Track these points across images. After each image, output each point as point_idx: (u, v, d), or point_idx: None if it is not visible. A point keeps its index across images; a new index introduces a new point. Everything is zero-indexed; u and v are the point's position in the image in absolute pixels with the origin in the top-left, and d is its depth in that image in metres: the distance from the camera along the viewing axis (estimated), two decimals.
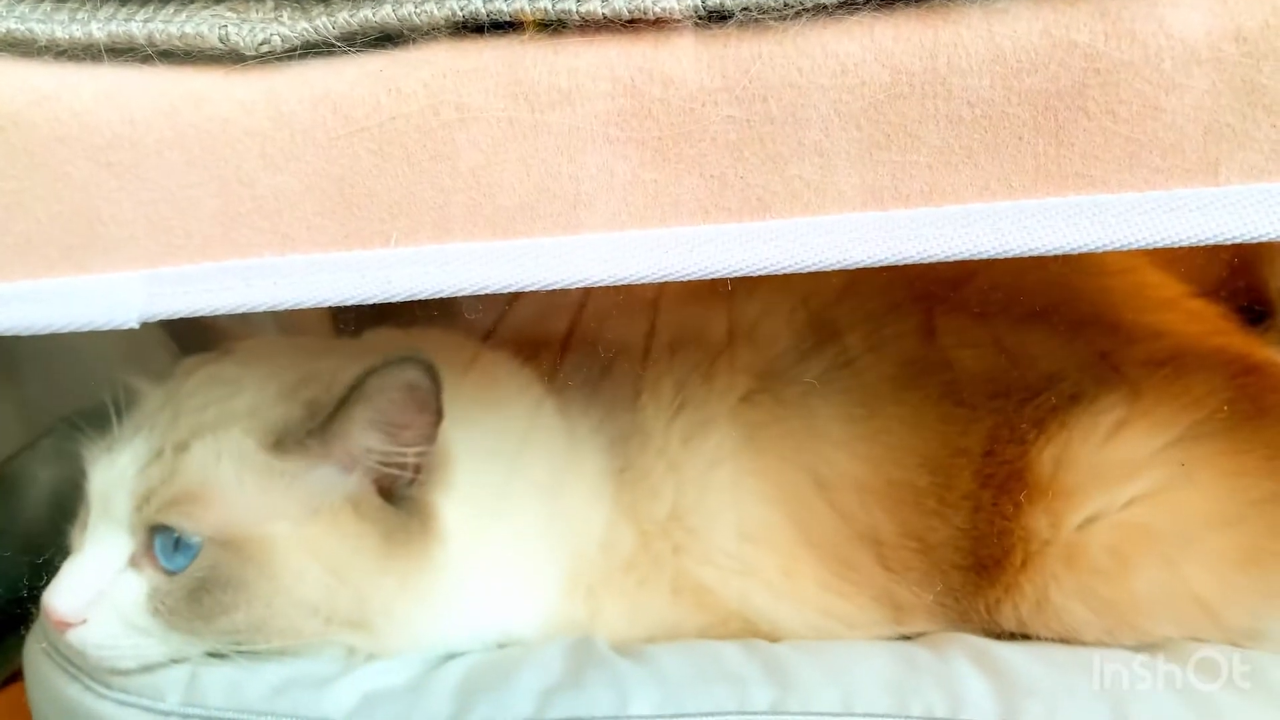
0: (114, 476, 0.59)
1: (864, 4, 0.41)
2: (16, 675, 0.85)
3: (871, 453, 0.68)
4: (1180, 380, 0.64)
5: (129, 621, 0.57)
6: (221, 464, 0.59)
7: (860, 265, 0.43)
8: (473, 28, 0.42)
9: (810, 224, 0.43)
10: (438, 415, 0.61)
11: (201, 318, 0.68)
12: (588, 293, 0.82)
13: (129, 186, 0.44)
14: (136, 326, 0.46)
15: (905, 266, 0.43)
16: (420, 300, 0.80)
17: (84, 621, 0.56)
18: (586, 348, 0.77)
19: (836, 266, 0.43)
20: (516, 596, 0.66)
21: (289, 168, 0.44)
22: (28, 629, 0.82)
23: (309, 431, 0.59)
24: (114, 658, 0.58)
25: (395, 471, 0.61)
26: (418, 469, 0.62)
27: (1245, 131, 0.41)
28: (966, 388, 0.68)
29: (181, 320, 0.68)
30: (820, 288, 0.75)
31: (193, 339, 0.72)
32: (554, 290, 0.79)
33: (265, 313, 0.82)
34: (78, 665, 0.59)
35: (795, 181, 0.43)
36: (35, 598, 0.80)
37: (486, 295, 0.76)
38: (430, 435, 0.61)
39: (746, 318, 0.76)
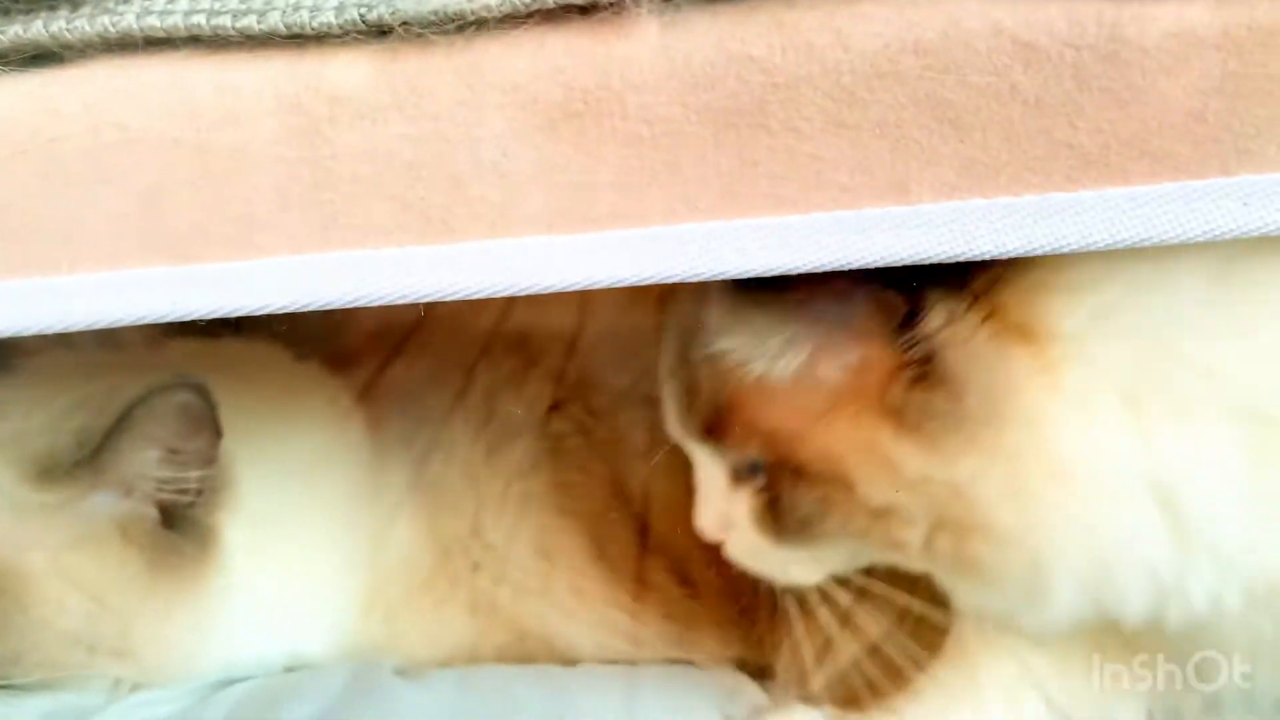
0: None
1: (530, 18, 0.39)
2: None
3: (674, 463, 0.66)
4: None
5: None
6: None
7: (553, 290, 0.41)
8: (132, 45, 0.40)
9: (496, 247, 0.41)
10: (216, 436, 0.59)
11: None
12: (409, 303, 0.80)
13: None
14: None
15: None
16: None
17: None
18: (404, 357, 0.75)
19: (528, 291, 0.41)
20: (305, 618, 0.64)
21: None
22: None
23: (77, 462, 0.57)
24: None
25: (174, 495, 0.59)
26: (199, 491, 0.60)
27: (933, 147, 0.39)
28: None
29: None
30: (640, 293, 0.73)
31: None
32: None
33: None
34: None
35: (478, 203, 0.41)
36: None
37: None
38: (210, 457, 0.59)
39: (564, 324, 0.74)
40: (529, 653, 0.66)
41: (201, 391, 0.57)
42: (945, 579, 0.47)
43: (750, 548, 0.50)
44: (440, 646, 0.66)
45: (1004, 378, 0.42)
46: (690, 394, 0.50)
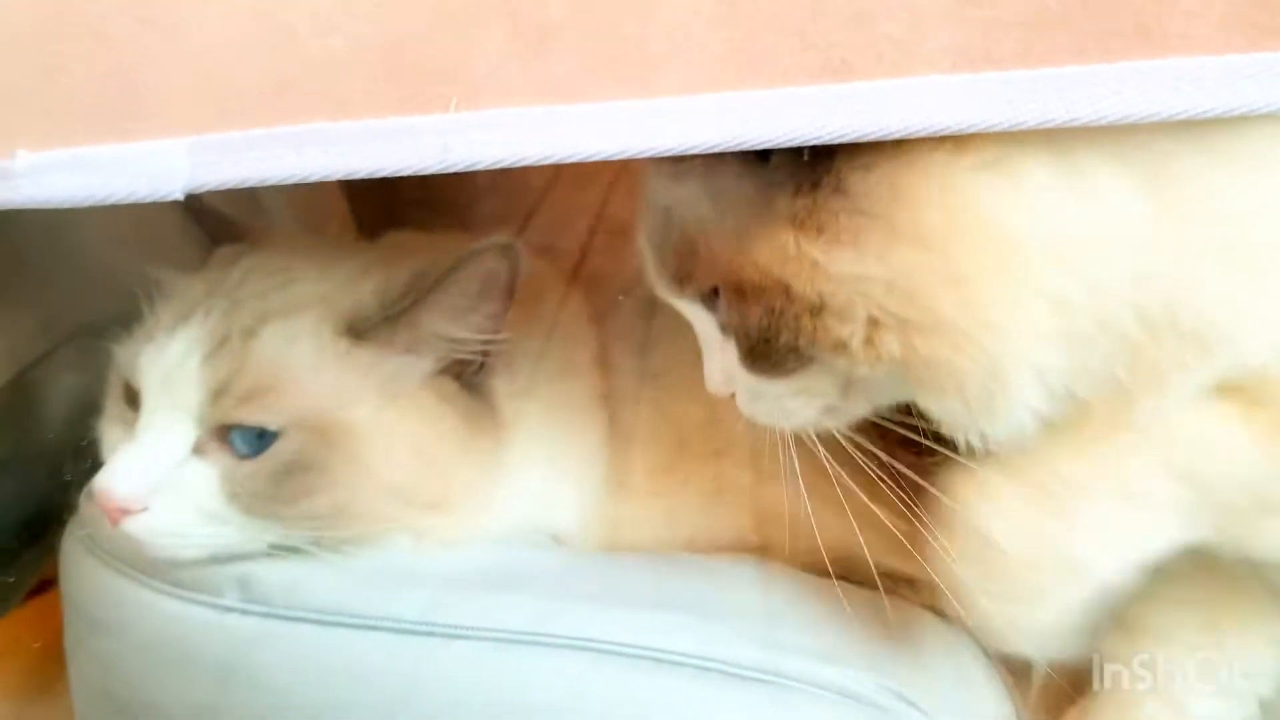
0: (170, 364, 0.56)
1: None
2: (38, 587, 0.84)
3: None
4: None
5: (202, 508, 0.55)
6: (296, 350, 0.57)
7: (948, 132, 0.41)
8: None
9: (896, 86, 0.41)
10: (509, 304, 0.59)
11: (219, 212, 0.67)
12: (608, 197, 0.80)
13: (171, 46, 0.42)
14: (181, 198, 0.44)
15: None
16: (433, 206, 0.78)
17: (145, 509, 0.54)
18: (609, 251, 0.76)
19: (923, 133, 0.41)
20: (564, 490, 0.65)
21: (341, 28, 0.42)
22: (53, 537, 0.81)
23: (385, 318, 0.57)
24: (178, 546, 0.55)
25: (466, 357, 0.60)
26: (485, 355, 0.61)
27: None
28: None
29: (206, 212, 0.66)
30: None
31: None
32: (574, 194, 0.77)
33: (283, 211, 0.80)
34: (131, 561, 0.58)
35: (881, 41, 0.40)
36: (59, 504, 0.79)
37: (504, 199, 0.74)
38: (500, 324, 0.60)
39: None
40: (769, 536, 0.66)
41: (514, 257, 0.57)
42: (908, 390, 0.47)
43: (749, 393, 0.51)
44: (683, 526, 0.67)
45: (904, 163, 0.42)
46: (660, 251, 0.52)
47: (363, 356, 0.57)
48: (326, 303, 0.58)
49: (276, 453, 0.55)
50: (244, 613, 0.56)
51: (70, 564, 0.63)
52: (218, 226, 0.66)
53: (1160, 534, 0.49)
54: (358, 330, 0.57)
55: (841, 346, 0.45)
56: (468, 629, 0.55)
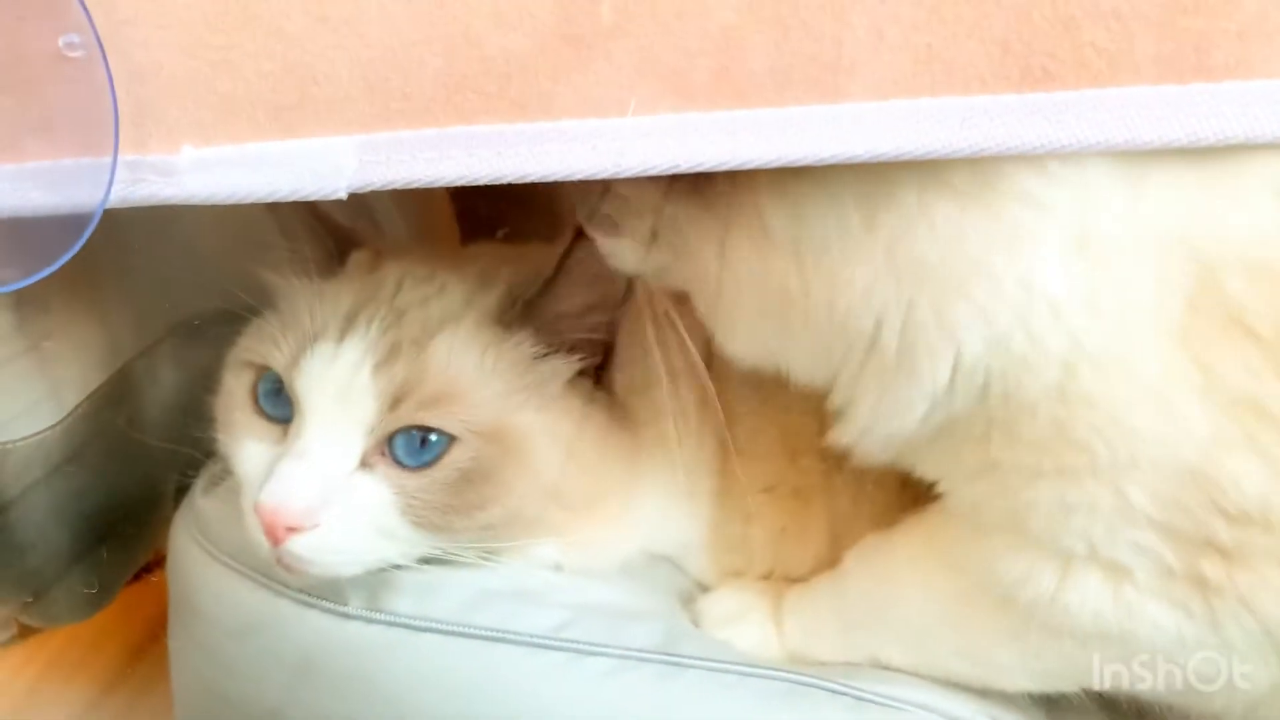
0: (343, 374, 0.54)
1: None
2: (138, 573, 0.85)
3: None
4: None
5: (374, 523, 0.53)
6: (466, 358, 0.56)
7: (1151, 147, 0.39)
8: None
9: (1099, 97, 0.39)
10: (623, 288, 0.59)
11: (328, 219, 0.65)
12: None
13: (346, 42, 0.41)
14: (344, 197, 0.43)
15: None
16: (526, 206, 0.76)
17: (316, 526, 0.51)
18: None
19: (1124, 148, 0.39)
20: (683, 504, 0.64)
21: (520, 25, 0.40)
22: (149, 528, 0.81)
23: (520, 305, 0.57)
24: (341, 564, 0.53)
25: (594, 338, 0.60)
26: (608, 349, 0.61)
27: None
28: None
29: (325, 218, 0.65)
30: None
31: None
32: None
33: (393, 216, 0.79)
34: (245, 560, 0.57)
35: (1086, 49, 0.39)
36: (157, 496, 0.78)
37: None
38: (617, 311, 0.60)
39: None
40: None
41: None
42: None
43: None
44: (801, 563, 0.65)
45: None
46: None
47: (514, 357, 0.56)
48: (474, 306, 0.57)
49: (452, 460, 0.53)
50: (368, 621, 0.55)
51: (179, 558, 0.62)
52: (336, 232, 0.65)
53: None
54: (503, 322, 0.57)
55: (635, 233, 0.51)
56: (601, 646, 0.54)
